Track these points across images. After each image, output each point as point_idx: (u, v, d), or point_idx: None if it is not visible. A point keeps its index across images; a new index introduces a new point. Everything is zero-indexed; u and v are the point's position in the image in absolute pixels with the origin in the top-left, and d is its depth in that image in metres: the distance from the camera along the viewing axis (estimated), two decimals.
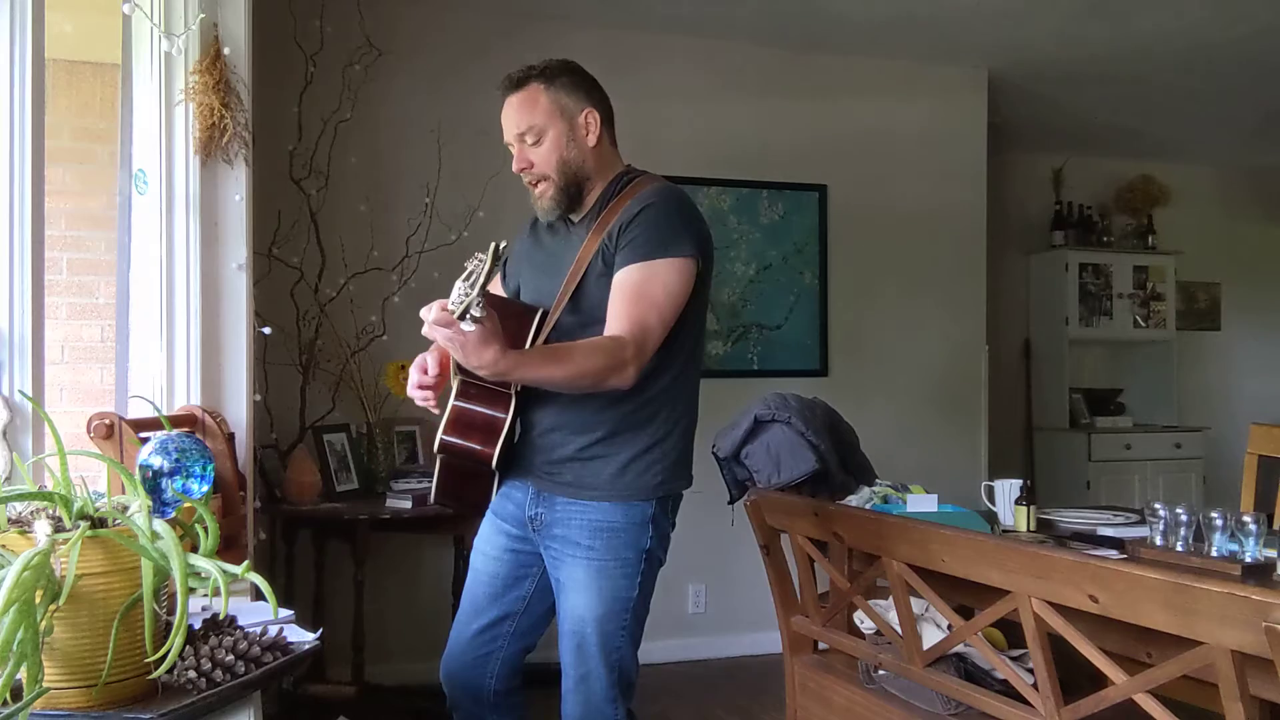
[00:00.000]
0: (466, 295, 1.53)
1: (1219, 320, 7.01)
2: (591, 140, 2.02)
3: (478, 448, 1.93)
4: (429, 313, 1.57)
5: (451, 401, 1.94)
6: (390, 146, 4.05)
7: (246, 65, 2.63)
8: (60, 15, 2.43)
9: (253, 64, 2.70)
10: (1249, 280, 7.00)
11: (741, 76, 4.60)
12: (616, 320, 1.89)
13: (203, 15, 2.49)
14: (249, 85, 2.63)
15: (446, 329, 1.57)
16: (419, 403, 1.95)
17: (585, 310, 1.99)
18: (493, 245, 1.56)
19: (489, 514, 2.17)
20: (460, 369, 1.88)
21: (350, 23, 3.87)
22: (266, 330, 3.14)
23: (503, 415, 1.94)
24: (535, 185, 2.03)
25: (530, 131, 1.99)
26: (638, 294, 1.90)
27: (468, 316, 1.54)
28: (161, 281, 2.46)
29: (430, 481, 3.66)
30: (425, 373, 1.92)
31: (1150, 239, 6.55)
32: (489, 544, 2.16)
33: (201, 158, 2.51)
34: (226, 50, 2.55)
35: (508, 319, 1.78)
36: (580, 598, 2.00)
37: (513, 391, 1.94)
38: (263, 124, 2.95)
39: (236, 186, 2.60)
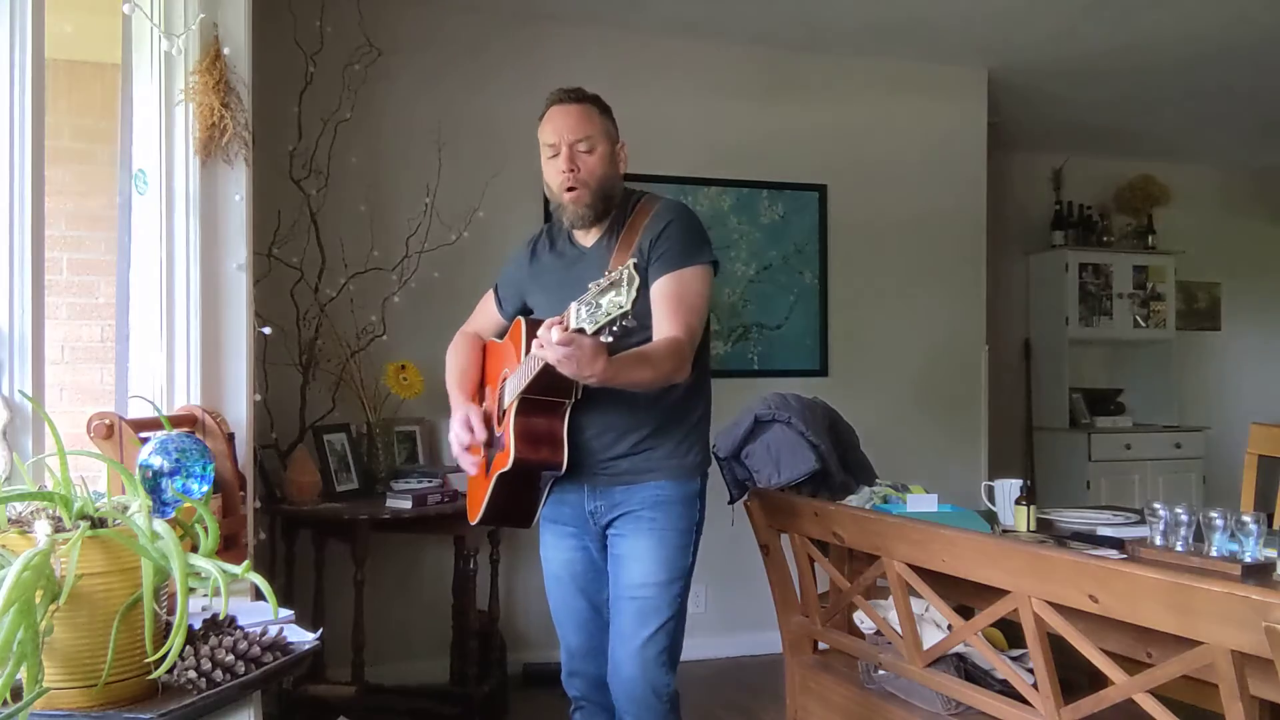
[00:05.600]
0: (607, 313, 1.63)
1: (1219, 320, 7.00)
2: (622, 168, 2.29)
3: (549, 457, 2.09)
4: (550, 334, 1.73)
5: (515, 418, 2.05)
6: (390, 146, 4.05)
7: (246, 65, 2.63)
8: (60, 15, 2.42)
9: (253, 64, 2.69)
10: (1249, 280, 7.00)
11: (741, 77, 4.60)
12: (669, 324, 2.09)
13: (203, 15, 2.49)
14: (249, 85, 2.63)
15: (567, 346, 1.73)
16: (465, 468, 2.18)
17: None
18: (630, 262, 1.68)
19: (546, 524, 2.31)
20: (533, 388, 2.00)
21: (350, 23, 3.87)
22: (266, 330, 3.14)
23: (560, 424, 2.10)
24: (571, 190, 2.18)
25: (586, 140, 2.20)
26: (680, 299, 2.12)
27: (608, 330, 1.67)
28: (161, 281, 2.46)
29: (430, 481, 3.66)
30: (473, 433, 2.15)
31: (1150, 239, 6.54)
32: (558, 550, 2.31)
33: (201, 158, 2.51)
34: (226, 50, 2.55)
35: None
36: (642, 565, 2.16)
37: (570, 401, 2.08)
38: (263, 124, 2.94)
39: (236, 186, 2.59)
